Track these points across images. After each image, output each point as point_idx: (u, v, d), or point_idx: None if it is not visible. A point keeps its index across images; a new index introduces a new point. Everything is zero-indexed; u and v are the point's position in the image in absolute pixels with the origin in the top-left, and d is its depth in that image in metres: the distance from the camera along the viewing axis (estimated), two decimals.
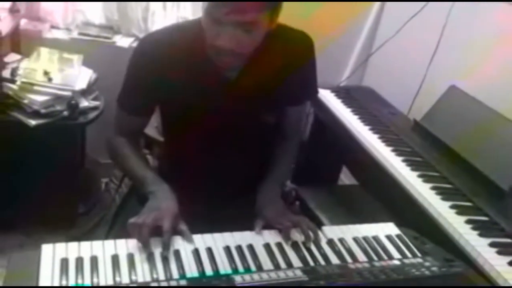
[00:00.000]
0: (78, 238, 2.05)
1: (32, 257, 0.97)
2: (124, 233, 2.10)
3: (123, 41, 2.30)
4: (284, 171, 1.37)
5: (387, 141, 1.74)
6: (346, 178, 2.46)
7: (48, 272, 0.93)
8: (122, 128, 1.32)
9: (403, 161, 1.62)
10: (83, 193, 2.15)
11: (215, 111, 1.22)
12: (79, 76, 2.00)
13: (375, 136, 1.77)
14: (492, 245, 1.25)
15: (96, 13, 2.33)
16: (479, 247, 1.24)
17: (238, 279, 0.96)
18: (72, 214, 2.09)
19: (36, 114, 1.82)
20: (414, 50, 2.14)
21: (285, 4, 1.13)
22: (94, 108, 1.99)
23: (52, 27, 2.26)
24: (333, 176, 2.33)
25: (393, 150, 1.68)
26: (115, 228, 2.02)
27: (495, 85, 1.75)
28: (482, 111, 1.70)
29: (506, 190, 1.46)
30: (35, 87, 1.84)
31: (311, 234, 1.15)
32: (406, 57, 2.19)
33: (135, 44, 2.30)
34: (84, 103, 1.94)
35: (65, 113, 1.87)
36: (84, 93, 1.99)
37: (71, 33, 2.26)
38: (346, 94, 2.09)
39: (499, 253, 1.22)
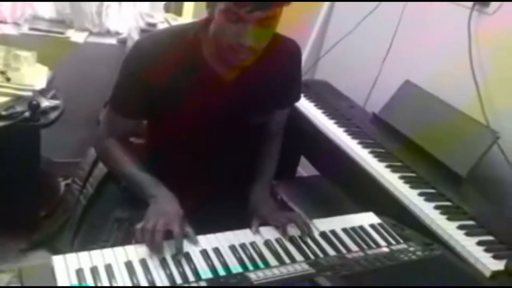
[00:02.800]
0: (43, 241, 2.01)
1: (44, 270, 0.95)
2: (93, 234, 2.07)
3: (78, 36, 2.22)
4: (272, 170, 1.43)
5: (352, 134, 1.85)
6: (303, 170, 2.57)
7: (66, 283, 0.92)
8: (114, 130, 1.31)
9: (370, 152, 1.73)
10: (43, 195, 2.07)
11: (209, 112, 1.25)
12: (37, 74, 1.92)
13: (341, 129, 1.87)
14: (460, 227, 1.39)
15: (46, 7, 2.22)
16: (450, 230, 1.38)
17: (252, 276, 1.01)
18: (34, 217, 2.01)
19: None
20: (368, 47, 2.26)
21: None
22: (55, 107, 1.91)
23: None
24: (293, 168, 2.42)
25: (359, 143, 1.79)
26: (82, 229, 1.99)
27: (445, 79, 1.91)
28: (436, 103, 1.86)
29: (464, 176, 1.62)
30: None
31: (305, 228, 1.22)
32: (361, 53, 2.31)
33: (91, 39, 2.26)
34: (45, 103, 1.87)
35: (26, 114, 1.78)
36: (43, 92, 1.91)
37: (20, 28, 2.14)
38: (306, 88, 2.17)
39: (467, 234, 1.36)
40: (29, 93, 1.80)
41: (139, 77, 1.22)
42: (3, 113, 1.74)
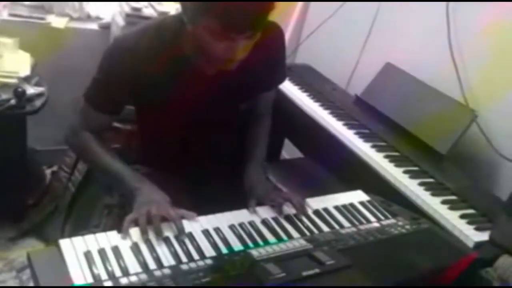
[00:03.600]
0: (31, 229, 2.01)
1: (53, 253, 0.97)
2: (83, 221, 2.08)
3: (58, 22, 2.19)
4: (263, 151, 1.46)
5: (337, 115, 1.90)
6: (285, 153, 2.61)
7: (76, 266, 0.95)
8: (88, 123, 1.32)
9: (355, 133, 1.79)
10: (29, 184, 2.06)
11: (196, 101, 1.27)
12: (20, 61, 1.89)
13: (326, 112, 1.92)
14: (443, 202, 1.47)
15: None
16: (434, 205, 1.45)
17: (255, 252, 1.05)
18: (20, 206, 2.00)
19: None
20: (349, 30, 2.31)
21: None
22: (40, 94, 1.90)
23: None
24: (277, 150, 2.47)
25: (344, 124, 1.84)
26: (72, 216, 2.00)
27: (425, 61, 1.97)
28: (416, 85, 1.92)
29: (444, 154, 1.70)
30: None
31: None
32: (341, 37, 2.35)
33: (71, 25, 2.23)
34: (30, 90, 1.85)
35: (12, 101, 1.77)
36: (27, 79, 1.89)
37: (0, 14, 2.10)
38: (289, 72, 2.20)
39: (450, 208, 1.44)
40: (14, 80, 1.78)
41: (120, 73, 1.22)
42: None
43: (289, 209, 1.26)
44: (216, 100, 1.31)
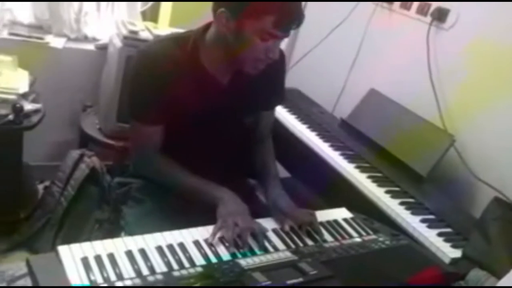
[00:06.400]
0: (22, 242, 2.04)
1: (52, 259, 1.02)
2: (74, 234, 2.11)
3: (57, 42, 2.27)
4: (275, 167, 1.54)
5: (324, 137, 1.98)
6: None
7: (74, 271, 1.00)
8: (147, 143, 1.37)
9: (340, 155, 1.87)
10: (22, 198, 2.10)
11: (208, 112, 1.35)
12: (19, 78, 1.96)
13: (313, 133, 2.01)
14: (422, 221, 1.54)
15: (25, 12, 2.26)
16: (414, 223, 1.52)
17: (242, 262, 1.11)
18: (13, 219, 2.04)
19: None
20: (335, 58, 2.42)
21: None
22: (36, 111, 1.96)
23: None
24: None
25: (330, 146, 1.93)
26: (63, 229, 2.04)
27: (407, 88, 2.08)
28: (398, 110, 2.02)
29: (424, 175, 1.78)
30: None
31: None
32: (328, 64, 2.46)
33: (69, 45, 2.31)
34: (28, 106, 1.91)
35: (10, 117, 1.83)
36: (25, 95, 1.95)
37: (0, 33, 2.17)
38: None
39: (429, 227, 1.51)
40: (13, 97, 1.84)
41: (152, 82, 1.30)
42: None
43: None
44: (225, 110, 1.38)
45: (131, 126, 1.40)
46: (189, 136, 1.39)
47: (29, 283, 1.91)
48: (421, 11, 2.06)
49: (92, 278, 0.99)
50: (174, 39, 1.36)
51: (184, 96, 1.32)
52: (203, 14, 1.65)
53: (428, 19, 2.01)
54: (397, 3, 2.17)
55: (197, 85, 1.33)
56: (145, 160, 1.41)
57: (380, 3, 2.23)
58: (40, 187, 2.29)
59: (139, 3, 2.41)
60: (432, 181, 1.78)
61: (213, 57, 1.33)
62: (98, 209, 2.04)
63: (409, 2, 2.12)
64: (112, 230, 1.64)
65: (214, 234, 1.18)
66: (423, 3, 2.05)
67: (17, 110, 1.84)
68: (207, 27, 1.34)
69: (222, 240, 1.19)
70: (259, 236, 1.20)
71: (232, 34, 1.25)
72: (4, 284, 1.85)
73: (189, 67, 1.32)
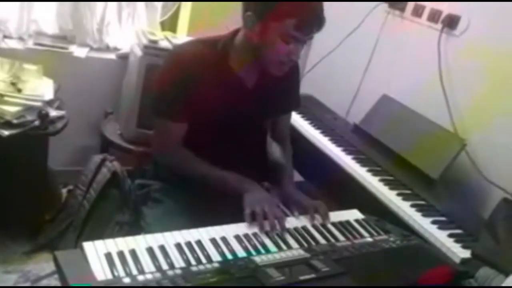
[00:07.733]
0: (46, 244, 2.12)
1: (77, 254, 1.09)
2: (95, 236, 2.19)
3: (80, 51, 2.36)
4: (292, 167, 1.62)
5: (337, 142, 2.04)
6: None
7: (98, 265, 1.06)
8: (170, 138, 1.44)
9: (353, 159, 1.92)
10: (46, 201, 2.19)
11: (233, 113, 1.41)
12: (44, 86, 2.05)
13: (326, 138, 2.06)
14: (433, 222, 1.58)
15: (49, 23, 2.36)
16: (425, 224, 1.56)
17: (257, 259, 1.17)
18: (38, 221, 2.12)
19: (8, 124, 1.85)
20: (349, 64, 2.47)
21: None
22: (61, 117, 2.05)
23: (5, 36, 2.26)
24: None
25: (343, 150, 1.98)
26: (85, 231, 2.11)
27: (418, 93, 2.11)
28: (410, 115, 2.06)
29: (436, 178, 1.82)
30: (5, 98, 1.87)
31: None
32: (342, 70, 2.52)
33: (91, 54, 2.40)
34: (53, 113, 2.00)
35: (36, 123, 1.91)
36: (50, 102, 2.04)
37: (26, 42, 2.27)
38: None
39: (439, 228, 1.55)
40: (39, 103, 1.93)
41: (180, 81, 1.36)
42: (15, 121, 1.87)
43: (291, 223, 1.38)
44: (248, 113, 1.45)
45: (156, 123, 1.45)
46: (209, 136, 1.45)
47: (53, 283, 2.00)
48: (432, 18, 2.11)
49: (115, 271, 1.05)
50: (206, 42, 1.43)
51: (211, 96, 1.38)
52: (220, 23, 1.74)
53: (439, 26, 2.05)
54: (409, 10, 2.22)
55: (224, 87, 1.40)
56: (169, 152, 1.46)
57: (392, 10, 2.28)
58: (64, 191, 2.37)
59: (159, 13, 2.50)
60: (443, 184, 1.81)
61: (241, 59, 1.40)
62: (119, 212, 2.11)
63: (420, 9, 2.16)
64: (131, 232, 1.71)
65: (247, 219, 1.28)
66: (434, 10, 2.09)
67: (43, 116, 1.93)
68: (236, 31, 1.42)
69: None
70: (282, 222, 1.29)
71: (257, 37, 1.32)
72: (28, 284, 1.93)
73: (218, 69, 1.39)
